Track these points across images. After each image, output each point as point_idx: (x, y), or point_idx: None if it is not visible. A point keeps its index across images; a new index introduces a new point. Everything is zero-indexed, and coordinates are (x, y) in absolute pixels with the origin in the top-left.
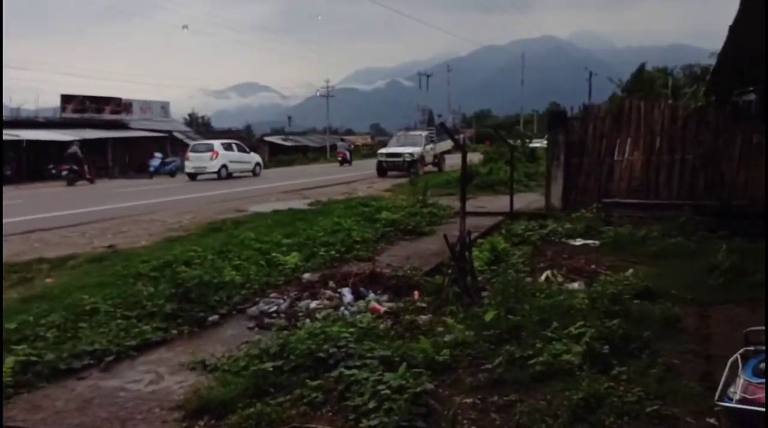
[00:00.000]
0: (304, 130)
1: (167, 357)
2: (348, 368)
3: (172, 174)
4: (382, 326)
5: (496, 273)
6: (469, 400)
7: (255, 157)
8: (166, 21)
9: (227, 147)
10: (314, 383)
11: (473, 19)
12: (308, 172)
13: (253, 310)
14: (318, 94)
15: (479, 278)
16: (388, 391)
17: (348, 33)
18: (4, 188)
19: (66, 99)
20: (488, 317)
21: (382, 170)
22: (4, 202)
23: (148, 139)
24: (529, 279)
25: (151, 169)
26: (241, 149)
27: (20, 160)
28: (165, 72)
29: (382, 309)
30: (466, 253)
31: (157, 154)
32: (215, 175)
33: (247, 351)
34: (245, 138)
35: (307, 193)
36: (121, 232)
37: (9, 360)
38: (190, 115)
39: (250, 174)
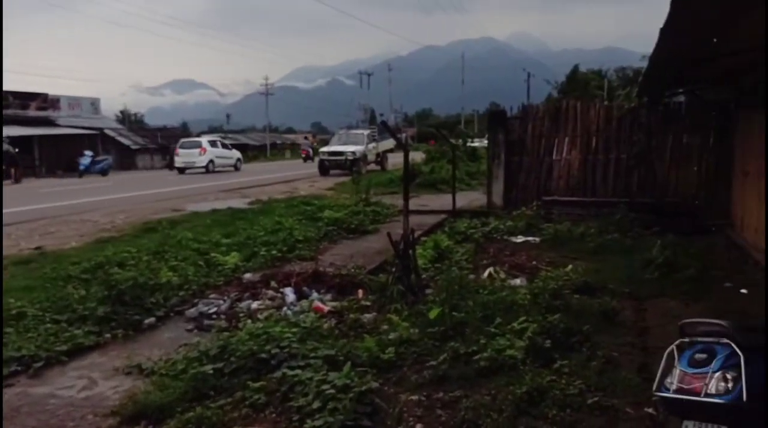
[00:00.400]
0: (243, 128)
1: (101, 362)
2: (291, 368)
3: (103, 172)
4: (326, 325)
5: (440, 271)
6: (414, 397)
7: (236, 154)
8: (95, 14)
9: (213, 144)
10: (256, 384)
11: (413, 19)
12: (248, 170)
13: (191, 312)
14: (257, 91)
15: (423, 276)
16: (332, 391)
17: (288, 30)
18: None
19: None
20: (433, 314)
21: (325, 169)
22: None
23: (77, 137)
24: (472, 276)
25: (81, 167)
26: (224, 146)
27: None
28: (95, 67)
29: (326, 308)
30: (410, 251)
31: (87, 152)
32: (203, 169)
33: (186, 354)
34: (181, 136)
35: (246, 192)
36: (49, 233)
37: None
38: (122, 112)
39: (232, 168)
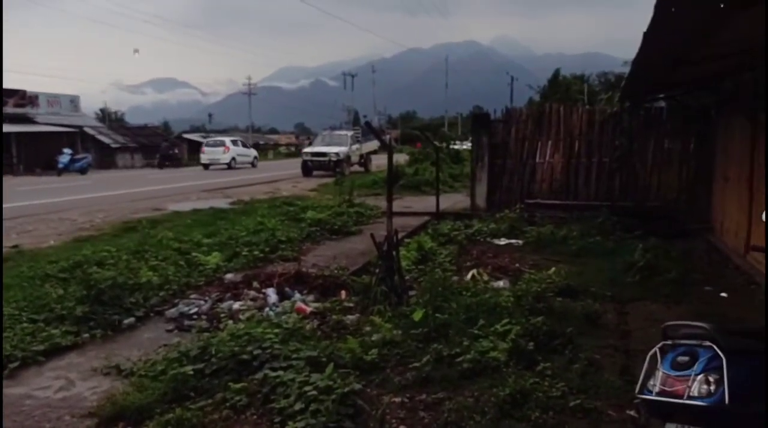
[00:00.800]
0: (226, 128)
1: (78, 363)
2: (273, 369)
3: (82, 171)
4: (308, 326)
5: (424, 273)
6: (397, 399)
7: (253, 152)
8: (75, 12)
9: (234, 143)
10: (237, 386)
11: (398, 21)
12: (228, 171)
13: (172, 312)
14: (240, 91)
15: (407, 277)
16: (315, 392)
17: (271, 30)
18: None
19: None
20: (416, 316)
21: (308, 170)
22: None
23: (56, 135)
24: (455, 278)
25: (60, 165)
26: (244, 145)
27: None
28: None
29: (309, 309)
30: (394, 253)
31: (66, 150)
32: (226, 166)
33: (166, 355)
34: (162, 134)
35: (229, 192)
36: (26, 232)
37: None
38: (102, 110)
39: (250, 165)
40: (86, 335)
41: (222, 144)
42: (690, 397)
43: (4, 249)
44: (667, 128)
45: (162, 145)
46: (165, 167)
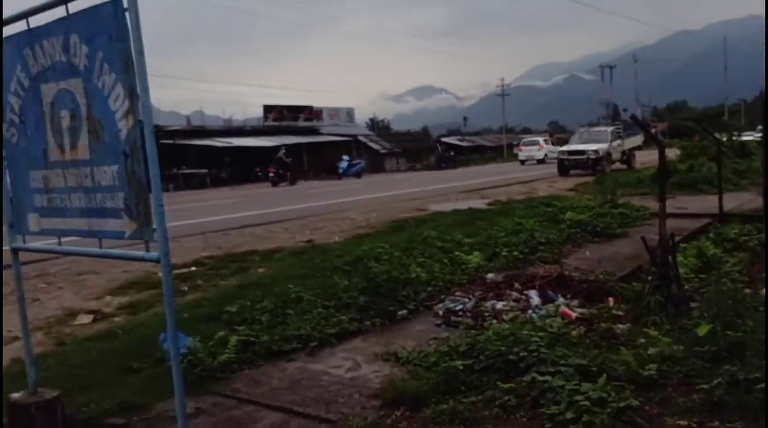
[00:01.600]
0: (479, 130)
1: (362, 347)
2: (541, 374)
3: (358, 175)
4: (574, 332)
5: (706, 283)
6: (683, 422)
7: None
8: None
9: (546, 142)
10: (506, 386)
11: (661, 3)
12: (483, 172)
13: (439, 307)
14: (493, 93)
15: (686, 287)
16: (587, 403)
17: (523, 30)
18: (222, 189)
19: (267, 109)
20: (701, 331)
21: (564, 169)
22: (223, 201)
23: (336, 143)
24: (748, 291)
25: (340, 170)
26: (552, 144)
27: (232, 164)
28: (347, 80)
29: (574, 314)
30: (669, 259)
31: (345, 157)
32: (536, 162)
33: (437, 348)
34: (421, 139)
35: (485, 193)
36: (317, 229)
37: (233, 339)
38: (371, 120)
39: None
40: (368, 323)
41: (536, 143)
42: None
43: (302, 243)
44: None
45: (439, 148)
46: (441, 169)
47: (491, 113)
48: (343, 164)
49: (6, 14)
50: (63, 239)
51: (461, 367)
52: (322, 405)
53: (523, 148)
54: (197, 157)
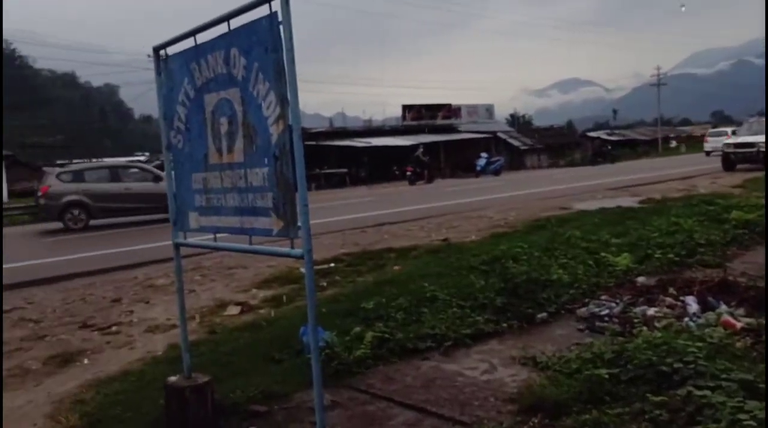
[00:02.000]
0: (631, 124)
1: (499, 349)
2: (698, 388)
3: (496, 172)
4: (738, 344)
5: None
6: None
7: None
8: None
9: (733, 133)
10: (656, 398)
11: None
12: (634, 167)
13: (582, 311)
14: (647, 83)
15: None
16: (752, 422)
17: (679, 14)
18: (360, 188)
19: (406, 109)
20: None
21: (730, 163)
22: (361, 200)
23: (474, 141)
24: None
25: (478, 168)
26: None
27: (371, 163)
28: (488, 76)
29: (738, 324)
30: None
31: (483, 154)
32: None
33: (579, 354)
34: (565, 134)
35: (636, 190)
36: (453, 227)
37: (368, 335)
38: (512, 115)
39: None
40: (504, 324)
41: (724, 133)
42: None
43: (438, 242)
44: None
45: (594, 141)
46: (598, 163)
47: (644, 105)
48: (481, 162)
49: (176, 33)
50: (216, 235)
51: (606, 376)
52: (456, 406)
53: (709, 139)
54: (338, 157)
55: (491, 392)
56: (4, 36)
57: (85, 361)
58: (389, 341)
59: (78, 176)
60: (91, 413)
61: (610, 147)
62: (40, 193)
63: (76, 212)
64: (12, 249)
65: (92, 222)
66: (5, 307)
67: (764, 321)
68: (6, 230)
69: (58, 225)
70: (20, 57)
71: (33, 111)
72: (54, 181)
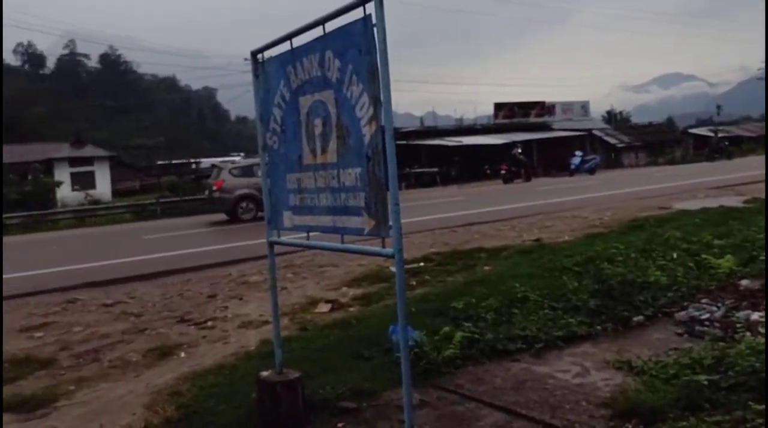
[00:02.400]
0: (736, 119)
1: (592, 353)
2: None
3: (591, 171)
4: None
5: None
6: None
7: None
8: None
9: None
10: (759, 407)
11: None
12: (741, 165)
13: (681, 315)
14: (755, 77)
15: None
16: None
17: None
18: (450, 187)
19: (498, 107)
20: None
21: None
22: (451, 199)
23: (568, 139)
24: None
25: (572, 166)
26: None
27: (461, 162)
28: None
29: None
30: None
31: (578, 153)
32: None
33: (677, 359)
34: (665, 131)
35: (741, 189)
36: (545, 227)
37: (458, 335)
38: (608, 112)
39: None
40: (598, 327)
41: None
42: None
43: (530, 242)
44: None
45: (712, 138)
46: (715, 160)
47: (752, 100)
48: (576, 160)
49: (270, 38)
50: (309, 234)
51: (705, 382)
52: (546, 409)
53: None
54: (428, 156)
55: (583, 396)
56: (111, 43)
57: (182, 354)
58: (479, 341)
59: (247, 171)
60: (186, 404)
61: (727, 143)
62: (214, 188)
63: (246, 204)
64: (117, 247)
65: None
66: (108, 301)
67: None
68: (111, 228)
69: (157, 224)
70: (125, 62)
71: (137, 114)
72: (227, 176)
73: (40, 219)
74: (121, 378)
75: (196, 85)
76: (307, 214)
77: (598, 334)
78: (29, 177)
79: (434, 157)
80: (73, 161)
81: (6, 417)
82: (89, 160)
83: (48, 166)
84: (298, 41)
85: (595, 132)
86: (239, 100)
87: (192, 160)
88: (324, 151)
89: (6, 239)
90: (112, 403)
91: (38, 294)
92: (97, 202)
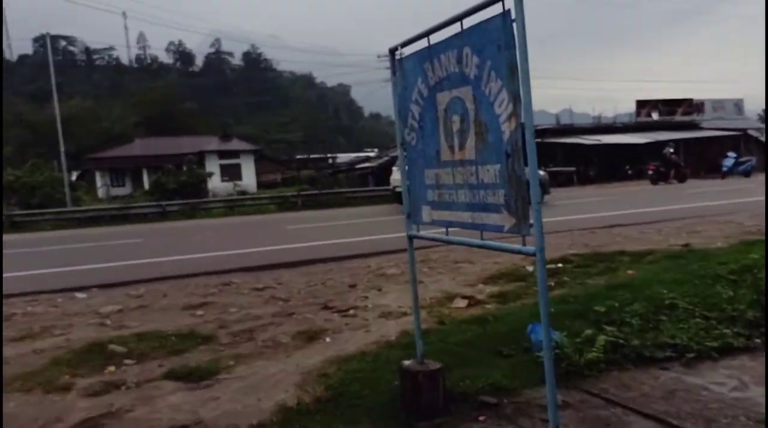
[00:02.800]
0: None
1: (750, 366)
2: None
3: (746, 174)
4: None
5: None
6: None
7: None
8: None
9: None
10: None
11: None
12: None
13: None
14: None
15: None
16: None
17: None
18: (588, 187)
19: (640, 104)
20: None
21: None
22: (590, 199)
23: (719, 139)
24: None
25: (724, 168)
26: None
27: (599, 162)
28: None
29: None
30: None
31: (731, 154)
32: None
33: None
34: None
35: None
36: (695, 232)
37: (601, 339)
38: (765, 111)
39: None
40: (757, 340)
41: None
42: None
43: (678, 247)
44: None
45: None
46: None
47: None
48: (728, 162)
49: (402, 36)
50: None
51: None
52: (700, 421)
53: None
54: (564, 154)
55: (742, 411)
56: (253, 42)
57: (327, 339)
58: (623, 347)
59: None
60: (333, 386)
61: None
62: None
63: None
64: (264, 235)
65: None
66: (259, 285)
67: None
68: (256, 217)
69: (299, 215)
70: (265, 60)
71: (276, 110)
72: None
73: (196, 206)
74: (273, 357)
75: (331, 82)
76: (445, 209)
77: (758, 347)
78: (184, 168)
79: (570, 155)
80: (222, 154)
81: (175, 384)
82: (236, 153)
83: (200, 158)
84: (435, 38)
85: (751, 132)
86: (372, 96)
87: (329, 155)
88: (462, 147)
89: (169, 224)
90: (266, 380)
91: (198, 276)
92: (243, 192)
